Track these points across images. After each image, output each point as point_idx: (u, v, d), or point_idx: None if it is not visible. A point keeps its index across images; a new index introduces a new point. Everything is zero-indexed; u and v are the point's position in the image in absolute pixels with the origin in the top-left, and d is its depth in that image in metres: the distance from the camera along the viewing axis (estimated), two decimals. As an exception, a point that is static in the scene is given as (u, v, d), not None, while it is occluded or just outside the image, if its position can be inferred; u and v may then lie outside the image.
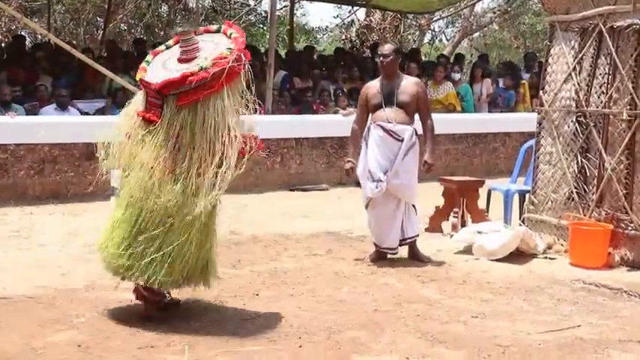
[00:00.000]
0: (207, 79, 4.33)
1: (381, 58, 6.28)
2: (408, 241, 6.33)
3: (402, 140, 6.13)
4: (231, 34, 4.69)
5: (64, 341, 4.28)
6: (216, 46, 4.59)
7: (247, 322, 4.70)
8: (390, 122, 6.14)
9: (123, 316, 4.74)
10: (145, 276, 4.41)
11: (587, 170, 6.62)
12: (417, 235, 6.38)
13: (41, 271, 5.72)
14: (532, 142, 7.41)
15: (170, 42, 4.81)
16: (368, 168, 6.17)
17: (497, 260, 6.37)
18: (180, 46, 4.62)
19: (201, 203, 4.32)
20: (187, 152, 4.38)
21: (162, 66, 4.61)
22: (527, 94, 12.98)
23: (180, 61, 4.56)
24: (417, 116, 6.30)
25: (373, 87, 6.36)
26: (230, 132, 4.36)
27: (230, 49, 4.50)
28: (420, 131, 6.31)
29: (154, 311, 4.71)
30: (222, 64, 4.37)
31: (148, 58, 4.74)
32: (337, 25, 23.17)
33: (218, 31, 4.80)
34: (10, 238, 6.81)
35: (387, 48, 6.34)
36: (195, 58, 4.52)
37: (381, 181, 6.11)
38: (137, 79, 4.63)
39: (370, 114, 6.33)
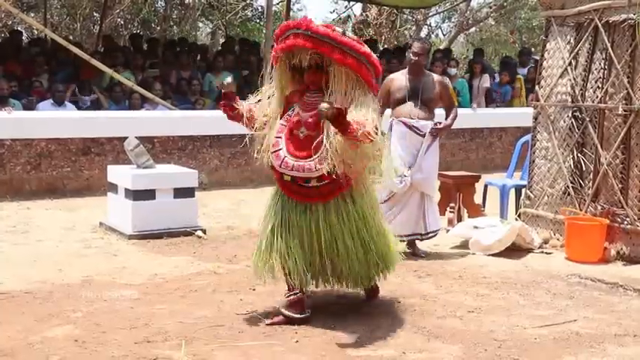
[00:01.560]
0: None
1: (412, 56, 6.31)
2: (431, 235, 6.39)
3: (423, 135, 6.22)
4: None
5: (60, 336, 4.29)
6: None
7: (244, 317, 4.70)
8: (412, 118, 6.22)
9: (119, 311, 4.74)
10: None
11: (583, 165, 6.64)
12: (439, 229, 6.48)
13: (38, 266, 5.73)
14: (528, 136, 7.42)
15: None
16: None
17: (494, 255, 6.39)
18: None
19: None
20: None
21: None
22: (523, 88, 12.98)
23: None
24: (437, 111, 6.43)
25: (398, 80, 6.37)
26: None
27: None
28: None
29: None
30: None
31: None
32: (333, 20, 23.14)
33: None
34: (6, 233, 6.81)
35: (419, 47, 6.35)
36: None
37: (405, 176, 6.15)
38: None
39: (392, 108, 6.35)
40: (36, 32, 18.60)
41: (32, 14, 20.19)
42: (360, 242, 4.55)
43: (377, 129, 4.31)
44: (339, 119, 4.10)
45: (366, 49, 4.43)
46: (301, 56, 4.40)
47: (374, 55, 4.49)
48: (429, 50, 6.68)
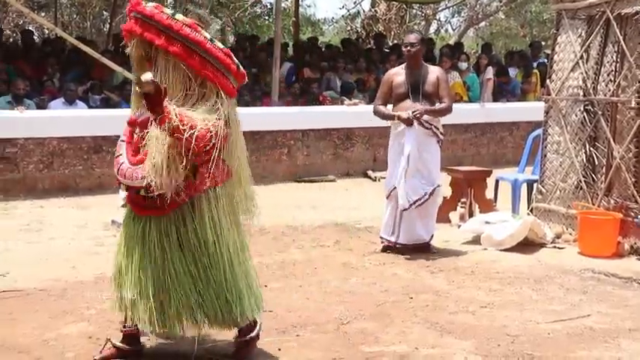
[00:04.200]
0: None
1: (408, 47, 6.25)
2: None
3: (430, 129, 6.14)
4: None
5: (75, 333, 4.31)
6: None
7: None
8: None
9: (133, 308, 4.75)
10: None
11: (595, 159, 6.62)
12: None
13: (51, 264, 5.76)
14: (539, 131, 7.39)
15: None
16: (405, 181, 6.10)
17: (506, 250, 6.37)
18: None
19: None
20: None
21: None
22: (538, 83, 12.93)
23: None
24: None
25: (398, 75, 6.31)
26: None
27: None
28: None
29: None
30: None
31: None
32: (343, 16, 23.15)
33: None
34: (20, 231, 6.84)
35: (413, 37, 6.31)
36: None
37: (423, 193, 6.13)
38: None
39: (393, 105, 6.31)
40: (47, 32, 18.69)
41: (43, 13, 20.25)
42: (196, 270, 3.70)
43: (214, 135, 3.56)
44: (155, 97, 3.44)
45: (198, 37, 3.62)
46: (133, 43, 3.70)
47: (217, 46, 3.69)
48: (424, 40, 6.58)
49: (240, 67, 3.82)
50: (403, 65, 6.40)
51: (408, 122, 6.02)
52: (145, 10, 3.61)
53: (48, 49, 11.71)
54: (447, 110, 6.22)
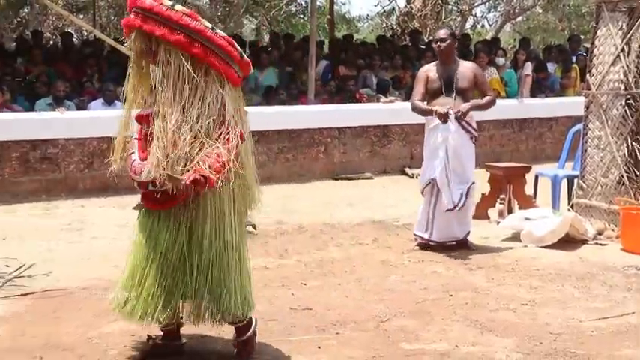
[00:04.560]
0: None
1: (438, 43, 6.23)
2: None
3: (468, 130, 6.13)
4: None
5: (117, 331, 4.37)
6: None
7: (296, 312, 4.73)
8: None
9: (174, 306, 4.80)
10: None
11: (637, 153, 6.51)
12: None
13: (93, 263, 5.83)
14: (579, 126, 7.30)
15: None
16: (448, 178, 6.08)
17: (546, 247, 6.31)
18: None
19: None
20: None
21: None
22: (577, 78, 12.76)
23: None
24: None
25: (432, 71, 6.27)
26: None
27: None
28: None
29: None
30: None
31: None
32: (378, 13, 23.08)
33: None
34: (62, 231, 6.94)
35: (442, 32, 6.30)
36: None
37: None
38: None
39: (427, 101, 6.26)
40: (86, 34, 18.94)
41: (82, 16, 20.54)
42: (199, 264, 3.73)
43: (239, 141, 3.60)
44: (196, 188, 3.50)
45: (199, 25, 3.59)
46: (132, 37, 3.72)
47: (219, 35, 3.65)
48: (455, 35, 6.56)
49: (244, 55, 3.77)
50: (436, 62, 6.36)
51: (444, 118, 5.99)
52: (144, 3, 3.58)
53: (87, 50, 11.87)
54: (493, 102, 6.25)
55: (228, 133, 3.58)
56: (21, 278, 5.34)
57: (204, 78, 3.62)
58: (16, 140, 8.40)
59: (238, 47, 3.73)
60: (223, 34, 3.71)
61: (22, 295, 5.02)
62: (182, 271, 3.73)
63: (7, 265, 5.61)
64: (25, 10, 20.89)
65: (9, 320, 4.55)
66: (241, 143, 3.66)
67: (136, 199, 3.94)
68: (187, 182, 3.47)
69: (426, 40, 16.15)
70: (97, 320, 4.54)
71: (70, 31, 18.12)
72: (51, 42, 17.32)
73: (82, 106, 9.54)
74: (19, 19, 21.29)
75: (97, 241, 6.57)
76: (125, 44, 3.75)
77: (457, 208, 6.10)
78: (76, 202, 8.27)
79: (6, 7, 20.01)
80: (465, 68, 6.23)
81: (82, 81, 10.37)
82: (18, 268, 5.49)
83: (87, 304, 4.86)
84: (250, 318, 3.93)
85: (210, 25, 3.66)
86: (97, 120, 8.92)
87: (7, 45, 14.23)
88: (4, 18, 20.49)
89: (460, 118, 6.01)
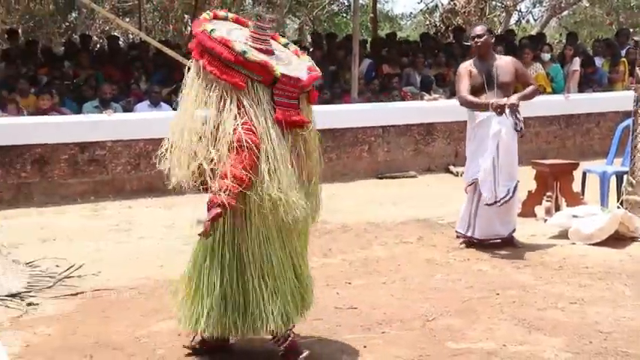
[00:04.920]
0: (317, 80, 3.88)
1: (476, 39, 6.19)
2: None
3: (518, 123, 6.06)
4: (286, 44, 4.08)
5: (165, 330, 4.42)
6: (286, 54, 3.95)
7: (341, 311, 4.73)
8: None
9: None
10: None
11: (688, 149, 6.37)
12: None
13: (141, 264, 5.91)
14: (629, 121, 7.16)
15: (222, 13, 4.07)
16: (496, 175, 6.02)
17: (595, 244, 6.20)
18: (253, 32, 3.82)
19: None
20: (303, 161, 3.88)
21: (274, 58, 3.80)
22: (626, 72, 12.53)
23: (260, 50, 3.75)
24: None
25: (472, 67, 6.22)
26: None
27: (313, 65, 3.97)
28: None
29: None
30: (316, 76, 3.90)
31: (215, 29, 3.73)
32: (421, 10, 22.93)
33: (285, 45, 4.07)
34: (110, 231, 7.05)
35: (479, 29, 6.28)
36: (273, 52, 3.83)
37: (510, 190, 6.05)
38: (277, 74, 3.68)
39: None
40: (132, 36, 19.21)
41: (128, 19, 20.82)
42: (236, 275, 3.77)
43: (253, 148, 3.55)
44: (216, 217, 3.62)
45: (198, 32, 3.71)
46: None
47: (214, 37, 3.66)
48: (491, 30, 6.54)
49: (250, 55, 3.61)
50: (473, 59, 6.31)
51: (501, 109, 5.93)
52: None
53: (133, 53, 12.04)
54: (537, 92, 6.30)
55: (239, 144, 3.53)
56: (71, 278, 5.45)
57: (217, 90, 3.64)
58: (65, 142, 8.55)
59: (235, 47, 3.61)
60: (219, 35, 3.67)
61: (72, 295, 5.12)
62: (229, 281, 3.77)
63: (57, 266, 5.72)
64: (73, 14, 21.26)
65: (60, 320, 4.64)
66: (256, 151, 3.55)
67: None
68: (208, 226, 3.61)
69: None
70: (145, 320, 4.61)
71: (116, 34, 18.37)
72: (98, 45, 17.62)
73: (128, 108, 9.68)
74: (67, 23, 21.67)
75: (144, 242, 6.66)
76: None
77: (498, 204, 6.03)
78: (124, 202, 8.39)
79: (54, 13, 20.41)
80: (504, 62, 6.22)
81: (129, 83, 10.52)
82: (68, 269, 5.60)
83: (135, 304, 4.93)
84: (284, 334, 3.85)
85: (209, 28, 3.71)
86: (144, 122, 9.03)
87: (55, 49, 14.51)
88: (53, 23, 20.87)
89: (513, 109, 5.96)
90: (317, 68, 3.93)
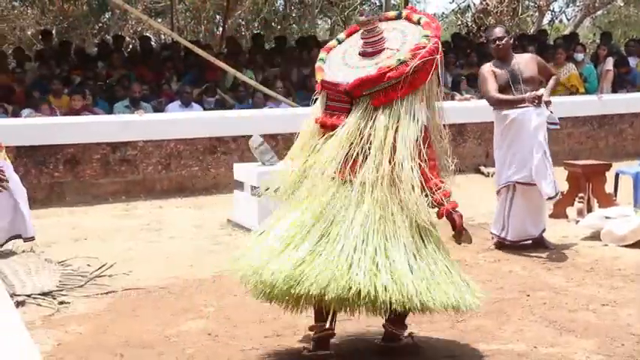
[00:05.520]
0: (408, 74, 3.80)
1: (497, 42, 6.15)
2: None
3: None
4: (419, 19, 4.06)
5: (194, 329, 4.45)
6: (403, 35, 4.01)
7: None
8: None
9: (249, 305, 4.85)
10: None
11: None
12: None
13: (171, 263, 5.95)
14: (663, 122, 7.06)
15: (342, 35, 4.27)
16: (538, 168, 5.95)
17: (628, 246, 6.12)
18: (363, 38, 3.99)
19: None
20: (376, 156, 3.76)
21: (342, 63, 4.04)
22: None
23: (365, 55, 3.97)
24: None
25: (495, 68, 6.17)
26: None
27: (427, 36, 3.92)
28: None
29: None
30: (424, 55, 3.83)
31: (322, 56, 4.14)
32: (453, 10, 22.83)
33: (399, 17, 4.17)
34: (141, 231, 7.11)
35: (499, 31, 6.26)
36: (383, 50, 3.94)
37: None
38: (317, 80, 4.04)
39: None
40: (164, 37, 19.36)
41: (160, 20, 20.99)
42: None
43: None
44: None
45: None
46: None
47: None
48: (508, 32, 6.56)
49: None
50: (493, 61, 6.24)
51: (539, 100, 5.90)
52: None
53: (165, 53, 12.13)
54: (558, 80, 6.45)
55: None
56: (102, 277, 5.50)
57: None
58: (97, 142, 8.64)
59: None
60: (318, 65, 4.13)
61: (103, 293, 5.17)
62: None
63: (89, 265, 5.78)
64: (106, 15, 21.48)
65: (91, 318, 4.68)
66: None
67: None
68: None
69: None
70: (174, 319, 4.63)
71: (148, 34, 18.52)
72: (130, 46, 17.79)
73: (159, 108, 9.76)
74: (100, 24, 21.90)
75: (174, 241, 6.70)
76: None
77: (557, 197, 6.04)
78: (154, 202, 8.45)
79: (88, 14, 20.63)
80: (525, 59, 6.23)
81: (160, 83, 10.60)
82: (99, 268, 5.65)
83: (165, 303, 4.96)
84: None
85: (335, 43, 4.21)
86: (175, 122, 9.11)
87: (89, 50, 14.68)
88: (86, 24, 21.11)
89: (547, 103, 6.00)
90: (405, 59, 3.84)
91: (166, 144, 8.97)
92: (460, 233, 3.92)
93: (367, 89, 3.81)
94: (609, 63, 12.21)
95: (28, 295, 5.01)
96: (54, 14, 20.81)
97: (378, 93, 3.81)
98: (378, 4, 22.20)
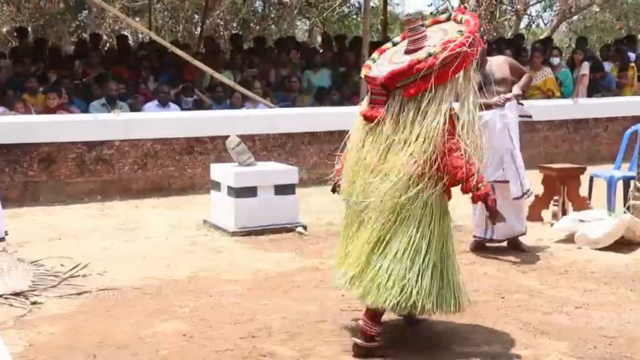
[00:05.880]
0: (436, 66, 3.88)
1: None
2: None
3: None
4: (462, 18, 4.22)
5: (169, 330, 4.42)
6: (444, 34, 4.16)
7: (346, 313, 4.71)
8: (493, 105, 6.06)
9: (224, 306, 4.85)
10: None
11: (697, 155, 6.34)
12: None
13: (147, 263, 5.92)
14: (637, 126, 7.15)
15: (397, 38, 4.46)
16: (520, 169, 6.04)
17: (601, 249, 6.18)
18: (407, 36, 4.22)
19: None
20: (402, 147, 3.94)
21: (388, 62, 4.22)
22: (635, 77, 12.49)
23: (408, 52, 4.13)
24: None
25: None
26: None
27: (461, 31, 4.04)
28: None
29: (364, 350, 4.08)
30: (453, 48, 3.91)
31: (374, 56, 4.36)
32: (431, 13, 22.92)
33: (448, 19, 4.36)
34: (117, 231, 7.06)
35: None
36: (423, 47, 4.08)
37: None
38: (361, 75, 4.34)
39: None
40: (141, 36, 19.26)
41: (137, 18, 20.87)
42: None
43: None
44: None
45: None
46: None
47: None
48: (483, 36, 6.64)
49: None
50: None
51: (505, 100, 5.99)
52: None
53: (142, 53, 12.06)
54: (530, 78, 6.53)
55: None
56: (75, 277, 5.45)
57: None
58: (72, 141, 8.57)
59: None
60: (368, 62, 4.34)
61: (76, 294, 5.12)
62: None
63: (62, 265, 5.73)
64: (84, 13, 21.31)
65: (64, 319, 4.64)
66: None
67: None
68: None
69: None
70: (149, 319, 4.61)
71: (125, 33, 18.42)
72: (107, 44, 17.68)
73: (135, 106, 9.69)
74: (77, 22, 21.73)
75: (150, 241, 6.66)
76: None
77: (526, 196, 6.07)
78: (130, 202, 8.40)
79: (65, 11, 20.45)
80: (497, 62, 6.26)
81: (137, 83, 10.54)
82: (73, 268, 5.60)
83: (140, 304, 4.93)
84: None
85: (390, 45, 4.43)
86: (152, 121, 9.06)
87: (65, 48, 14.56)
88: (63, 21, 20.93)
89: (519, 99, 6.11)
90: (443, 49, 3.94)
91: (143, 143, 8.91)
92: (494, 215, 4.11)
93: (399, 81, 3.99)
94: (585, 68, 12.32)
95: (0, 295, 4.96)
96: (30, 11, 20.60)
97: (409, 85, 3.97)
98: (357, 5, 22.24)
